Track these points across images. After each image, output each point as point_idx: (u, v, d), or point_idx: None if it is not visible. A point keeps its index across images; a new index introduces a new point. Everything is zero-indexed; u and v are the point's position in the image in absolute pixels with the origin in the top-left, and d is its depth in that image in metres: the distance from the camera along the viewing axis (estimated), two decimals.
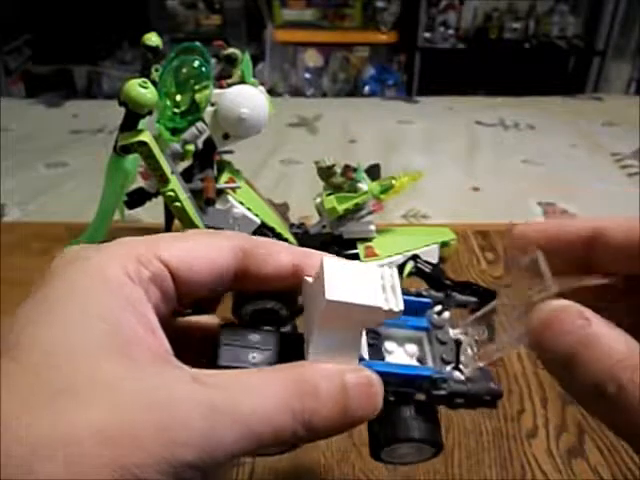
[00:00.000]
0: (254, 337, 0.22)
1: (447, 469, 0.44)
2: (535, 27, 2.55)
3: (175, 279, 0.21)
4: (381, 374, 0.20)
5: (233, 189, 0.52)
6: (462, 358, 0.23)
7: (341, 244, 0.54)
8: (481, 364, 0.23)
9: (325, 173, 0.53)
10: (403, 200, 1.10)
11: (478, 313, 0.24)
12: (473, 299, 0.24)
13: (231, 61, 0.50)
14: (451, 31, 2.57)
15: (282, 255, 0.22)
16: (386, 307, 0.19)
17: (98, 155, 0.55)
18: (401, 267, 0.52)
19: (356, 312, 0.19)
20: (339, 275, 0.19)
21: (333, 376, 0.19)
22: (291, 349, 0.22)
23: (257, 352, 0.22)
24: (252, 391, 0.18)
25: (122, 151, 0.45)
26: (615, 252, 0.21)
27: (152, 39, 0.46)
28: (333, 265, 0.19)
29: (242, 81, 0.50)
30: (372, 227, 0.55)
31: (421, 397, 0.22)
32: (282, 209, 0.57)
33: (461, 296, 0.24)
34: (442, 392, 0.22)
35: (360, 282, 0.19)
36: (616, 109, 1.68)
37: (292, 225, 0.57)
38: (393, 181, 0.53)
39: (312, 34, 2.57)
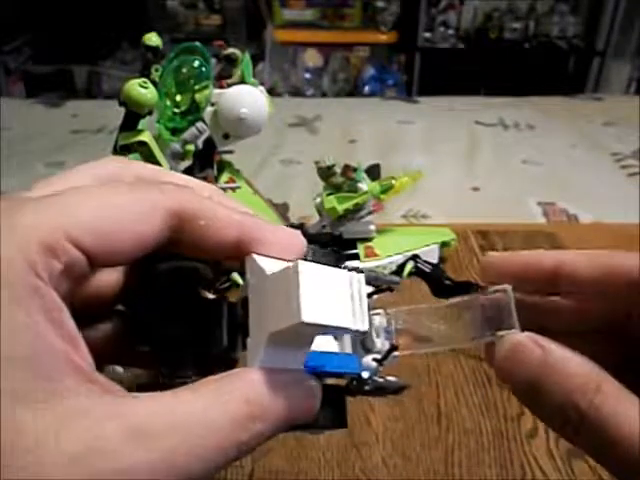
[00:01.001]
0: (174, 306, 0.21)
1: (447, 469, 0.44)
2: (535, 27, 2.55)
3: (91, 261, 0.17)
4: (312, 368, 0.20)
5: (233, 189, 0.52)
6: (379, 345, 0.22)
7: (341, 244, 0.54)
8: (399, 354, 0.22)
9: (325, 173, 0.53)
10: (403, 200, 1.10)
11: (413, 307, 0.23)
12: (397, 279, 0.23)
13: (231, 61, 0.50)
14: (451, 31, 2.57)
15: (226, 229, 0.19)
16: (354, 328, 0.18)
17: (98, 155, 0.55)
18: (401, 267, 0.52)
19: (324, 329, 0.18)
20: (313, 288, 0.17)
21: (280, 391, 0.18)
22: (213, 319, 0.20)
23: (175, 324, 0.20)
24: (197, 435, 0.16)
25: (122, 151, 0.45)
26: (578, 283, 0.22)
27: (152, 39, 0.46)
28: (308, 274, 0.17)
29: (242, 81, 0.50)
30: (372, 227, 0.55)
31: (336, 382, 0.22)
32: (282, 209, 0.58)
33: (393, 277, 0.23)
34: (367, 387, 0.22)
35: (331, 294, 0.18)
36: (616, 109, 1.68)
37: (292, 225, 0.57)
38: (393, 181, 0.53)
39: (312, 34, 2.57)
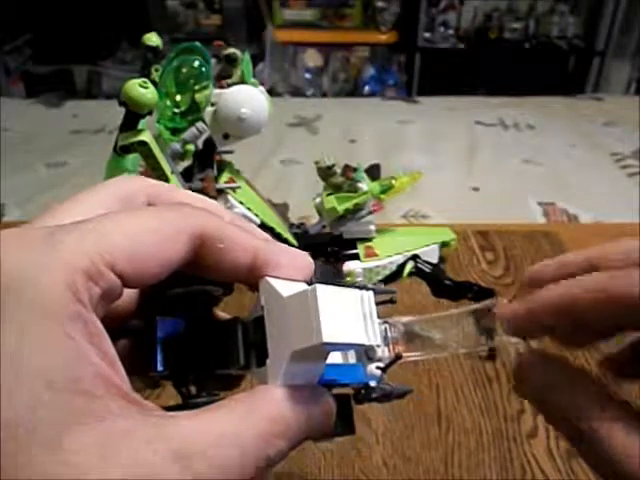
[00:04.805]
0: (190, 328, 0.22)
1: (447, 469, 0.44)
2: (535, 27, 2.55)
3: (124, 284, 0.18)
4: (325, 382, 0.21)
5: (233, 189, 0.52)
6: (379, 352, 0.23)
7: (341, 244, 0.54)
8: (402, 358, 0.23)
9: (325, 173, 0.53)
10: (403, 200, 1.10)
11: (410, 317, 0.24)
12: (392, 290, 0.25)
13: (231, 61, 0.50)
14: (451, 31, 2.57)
15: (243, 253, 0.20)
16: (368, 343, 0.19)
17: (98, 155, 0.55)
18: (401, 267, 0.52)
19: (341, 347, 0.20)
20: (331, 309, 0.18)
21: (301, 407, 0.19)
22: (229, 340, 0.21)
23: (196, 353, 0.21)
24: (232, 454, 0.17)
25: (122, 151, 0.45)
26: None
27: (152, 39, 0.46)
28: (325, 297, 0.18)
29: (242, 81, 0.50)
30: (372, 227, 0.55)
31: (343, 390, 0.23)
32: (282, 209, 0.57)
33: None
34: (374, 395, 0.22)
35: (346, 313, 0.19)
36: (616, 109, 1.69)
37: (292, 225, 0.57)
38: (393, 181, 0.53)
39: (312, 34, 2.57)
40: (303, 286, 0.20)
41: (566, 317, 0.21)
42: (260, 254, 0.20)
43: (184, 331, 0.22)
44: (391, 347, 0.23)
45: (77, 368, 0.16)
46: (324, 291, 0.18)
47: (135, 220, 0.18)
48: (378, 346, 0.21)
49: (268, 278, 0.20)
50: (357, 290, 0.20)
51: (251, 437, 0.17)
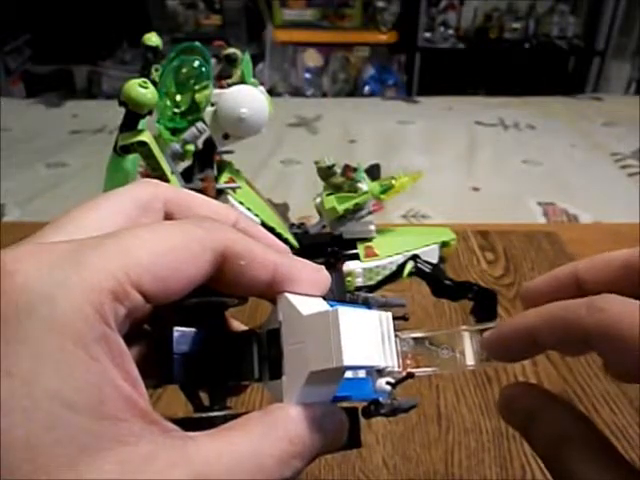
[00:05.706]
0: (206, 340, 0.22)
1: (447, 469, 0.44)
2: (535, 27, 2.55)
3: (148, 302, 0.18)
4: (340, 398, 0.21)
5: (233, 189, 0.52)
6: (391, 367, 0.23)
7: (341, 244, 0.54)
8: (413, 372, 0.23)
9: (325, 173, 0.53)
10: (403, 200, 1.10)
11: (418, 332, 0.25)
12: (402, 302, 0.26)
13: (231, 61, 0.50)
14: (451, 31, 2.57)
15: (263, 269, 0.20)
16: (384, 365, 0.20)
17: (98, 155, 0.55)
18: (401, 267, 0.52)
19: (360, 368, 0.20)
20: (351, 332, 0.19)
21: (317, 427, 0.19)
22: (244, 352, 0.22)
23: (211, 362, 0.22)
24: (250, 475, 0.17)
25: (122, 151, 0.45)
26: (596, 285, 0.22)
27: (152, 39, 0.46)
28: (347, 320, 0.19)
29: (242, 81, 0.50)
30: (372, 227, 0.55)
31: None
32: (282, 209, 0.57)
33: (396, 300, 0.25)
34: (383, 411, 0.22)
35: (366, 336, 0.19)
36: (616, 109, 1.68)
37: (292, 225, 0.57)
38: (393, 181, 0.53)
39: (312, 34, 2.57)
40: (321, 302, 0.21)
41: (531, 344, 0.21)
42: (279, 270, 0.20)
43: (200, 343, 0.22)
44: (401, 361, 0.23)
45: (101, 391, 0.15)
46: (345, 313, 0.19)
47: (160, 236, 0.18)
48: (393, 367, 0.21)
49: (287, 294, 0.20)
50: (376, 312, 0.20)
51: (270, 458, 0.17)
